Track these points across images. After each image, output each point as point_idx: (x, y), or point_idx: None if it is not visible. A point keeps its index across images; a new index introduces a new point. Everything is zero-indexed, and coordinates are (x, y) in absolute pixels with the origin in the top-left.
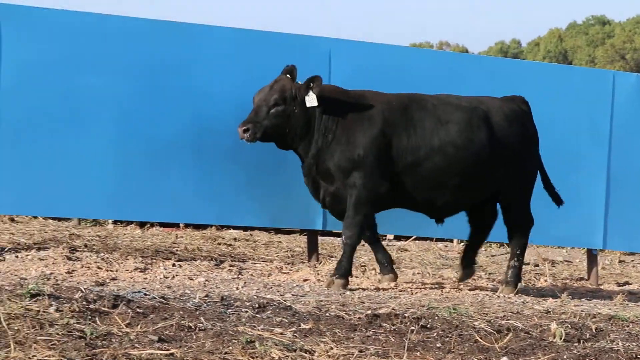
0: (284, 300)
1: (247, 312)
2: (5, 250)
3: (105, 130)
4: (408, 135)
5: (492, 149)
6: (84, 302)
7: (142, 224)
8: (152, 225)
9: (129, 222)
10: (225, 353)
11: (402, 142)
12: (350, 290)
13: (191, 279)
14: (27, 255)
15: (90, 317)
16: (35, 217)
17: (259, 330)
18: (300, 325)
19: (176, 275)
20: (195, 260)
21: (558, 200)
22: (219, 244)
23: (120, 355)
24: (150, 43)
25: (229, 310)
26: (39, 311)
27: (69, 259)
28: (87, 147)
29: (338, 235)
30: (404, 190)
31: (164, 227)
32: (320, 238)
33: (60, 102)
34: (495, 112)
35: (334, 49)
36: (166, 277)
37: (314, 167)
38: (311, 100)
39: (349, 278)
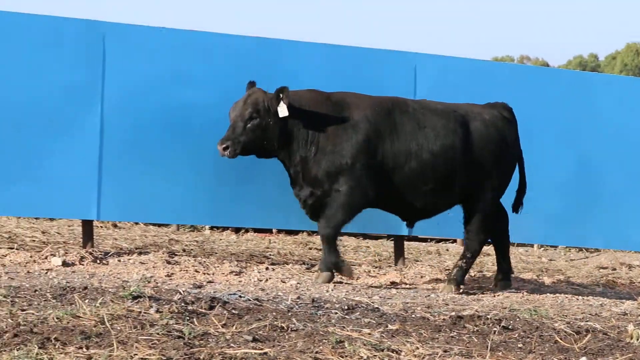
0: (372, 302)
1: (336, 313)
2: (109, 254)
3: (204, 141)
4: (391, 140)
5: (468, 154)
6: (183, 304)
7: (237, 230)
8: (246, 230)
9: (224, 228)
10: (316, 352)
11: (385, 146)
12: (435, 294)
13: (284, 282)
14: (129, 259)
15: (188, 318)
16: (136, 224)
17: (348, 330)
18: (387, 326)
19: (269, 278)
20: (287, 264)
21: (515, 207)
22: (310, 248)
23: (216, 354)
24: (247, 59)
25: (320, 312)
26: (140, 312)
27: (168, 262)
28: (185, 158)
29: (424, 240)
30: (383, 193)
31: (258, 233)
32: (406, 243)
33: (162, 116)
34: (474, 118)
35: (420, 63)
36: (260, 280)
37: (300, 175)
38: (282, 110)
39: (334, 272)
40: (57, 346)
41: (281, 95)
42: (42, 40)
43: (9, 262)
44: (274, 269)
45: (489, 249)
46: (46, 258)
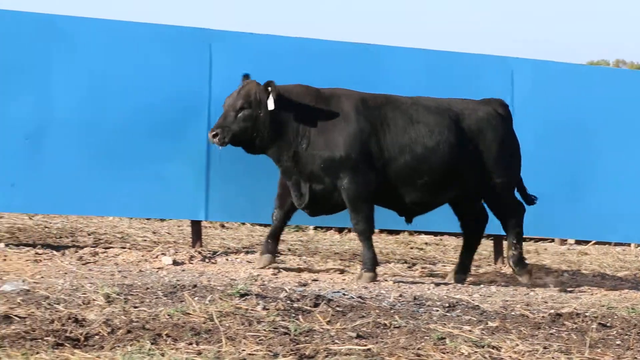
0: (472, 300)
1: (438, 311)
2: (217, 254)
3: None
4: (383, 134)
5: (461, 150)
6: (288, 301)
7: (340, 230)
8: (349, 230)
9: (328, 228)
10: (418, 349)
11: (378, 139)
12: (534, 292)
13: (386, 280)
14: (237, 258)
15: (294, 315)
16: (243, 224)
17: (449, 327)
18: (487, 324)
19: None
20: (389, 263)
21: (527, 201)
22: (411, 247)
23: (321, 350)
24: (347, 64)
25: (421, 309)
26: (247, 309)
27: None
28: None
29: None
30: (378, 186)
31: None
32: (505, 243)
33: None
34: (468, 114)
35: (517, 68)
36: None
37: (295, 170)
38: (270, 104)
39: (376, 270)
40: (168, 342)
41: (269, 89)
42: (157, 48)
43: (122, 261)
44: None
45: (586, 248)
46: (157, 257)
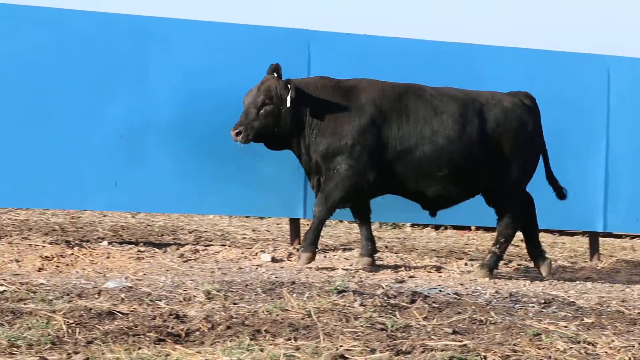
0: (568, 296)
1: (533, 307)
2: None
3: None
4: (399, 124)
5: (485, 142)
6: (385, 298)
7: (437, 227)
8: (446, 228)
9: (425, 225)
10: (514, 345)
11: (392, 130)
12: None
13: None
14: (334, 255)
15: (390, 311)
16: (341, 221)
17: (544, 323)
18: (583, 320)
19: (468, 272)
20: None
21: (560, 194)
22: None
23: (417, 346)
24: (444, 63)
25: (517, 306)
26: (344, 306)
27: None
28: None
29: (618, 237)
30: (393, 178)
31: (457, 230)
32: (601, 239)
33: None
34: (493, 105)
35: (613, 66)
36: (459, 275)
37: (309, 161)
38: (287, 101)
39: (315, 252)
40: (267, 338)
41: (288, 86)
42: (255, 49)
43: (221, 258)
44: (472, 265)
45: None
46: (256, 254)
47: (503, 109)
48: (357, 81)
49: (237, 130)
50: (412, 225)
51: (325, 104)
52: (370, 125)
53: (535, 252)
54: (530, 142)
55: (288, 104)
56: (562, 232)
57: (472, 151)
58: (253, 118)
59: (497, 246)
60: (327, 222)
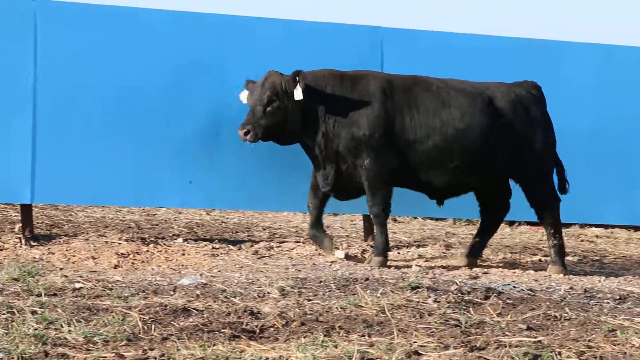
0: None
1: (608, 303)
2: (389, 247)
3: None
4: (410, 115)
5: (494, 133)
6: (459, 294)
7: (511, 223)
8: (520, 224)
9: None
10: (589, 341)
11: (404, 121)
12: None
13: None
14: (408, 251)
15: (464, 307)
16: (415, 218)
17: (620, 319)
18: None
19: (542, 269)
20: None
21: (561, 188)
22: (582, 240)
23: (492, 342)
24: (518, 60)
25: (592, 302)
26: (418, 302)
27: (445, 255)
28: None
29: None
30: (404, 169)
31: (531, 226)
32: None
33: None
34: (501, 97)
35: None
36: (534, 271)
37: (321, 153)
38: (298, 94)
39: (387, 254)
40: (341, 334)
41: (297, 78)
42: (330, 45)
43: (296, 255)
44: (545, 261)
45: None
46: (330, 251)
47: (510, 100)
48: (362, 72)
49: (245, 130)
50: None
51: (337, 96)
52: (384, 116)
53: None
54: (538, 131)
55: (298, 97)
56: (638, 228)
57: (482, 142)
58: (260, 116)
59: (553, 238)
60: (401, 219)
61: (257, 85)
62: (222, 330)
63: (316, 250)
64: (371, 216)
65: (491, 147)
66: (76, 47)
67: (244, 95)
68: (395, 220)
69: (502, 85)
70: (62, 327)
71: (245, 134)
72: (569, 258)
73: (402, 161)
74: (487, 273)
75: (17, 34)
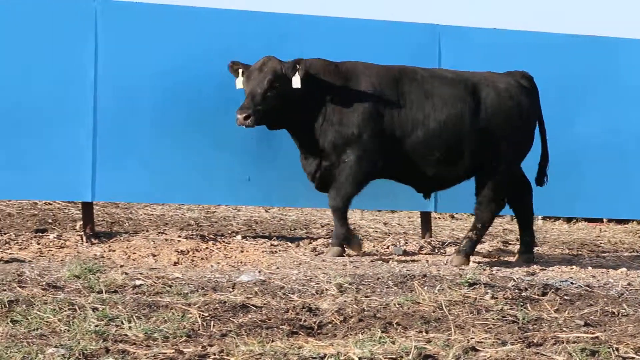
0: None
1: None
2: (446, 244)
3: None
4: (398, 109)
5: (479, 123)
6: (516, 290)
7: (568, 220)
8: (577, 220)
9: (556, 218)
10: None
11: (392, 115)
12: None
13: (614, 269)
14: None
15: (521, 303)
16: (472, 215)
17: None
18: None
19: (598, 265)
20: (617, 252)
21: (539, 180)
22: None
23: (549, 338)
24: (578, 58)
25: None
26: (475, 298)
27: (503, 251)
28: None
29: None
30: (391, 162)
31: (589, 222)
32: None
33: None
34: (487, 86)
35: None
36: (592, 268)
37: (308, 145)
38: (296, 82)
39: (344, 246)
40: (398, 330)
41: (297, 67)
42: (386, 43)
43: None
44: (604, 257)
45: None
46: (388, 248)
47: (497, 90)
48: (353, 64)
49: (245, 114)
50: (544, 218)
51: (330, 88)
52: (374, 111)
53: (527, 240)
54: (526, 122)
55: (297, 85)
56: None
57: (466, 133)
58: (260, 100)
59: (474, 231)
60: (458, 216)
61: (254, 69)
62: (281, 327)
63: (374, 247)
64: (330, 207)
65: (477, 137)
66: (135, 46)
67: (239, 82)
68: (452, 217)
69: (491, 75)
70: (123, 323)
71: (245, 118)
72: (626, 254)
73: (391, 155)
74: (545, 269)
75: (79, 34)
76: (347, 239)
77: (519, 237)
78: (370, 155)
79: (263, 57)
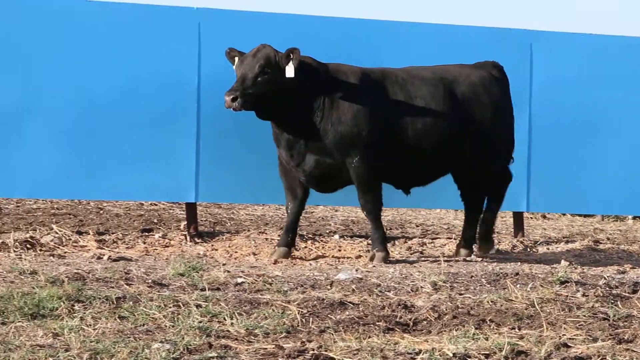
0: None
1: None
2: (538, 243)
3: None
4: (385, 110)
5: (457, 119)
6: (607, 288)
7: None
8: None
9: None
10: None
11: (380, 116)
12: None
13: None
14: (557, 247)
15: (612, 301)
16: (563, 215)
17: None
18: None
19: None
20: None
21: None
22: None
23: (639, 335)
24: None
25: None
26: (567, 296)
27: (594, 250)
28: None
29: None
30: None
31: None
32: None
33: (585, 115)
34: (462, 81)
35: None
36: None
37: (301, 141)
38: (289, 71)
39: (388, 248)
40: (491, 327)
41: (291, 56)
42: (475, 49)
43: (448, 250)
44: None
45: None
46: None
47: (471, 84)
48: (340, 65)
49: (232, 96)
50: (634, 218)
51: (324, 86)
52: (369, 112)
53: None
54: (501, 114)
55: (290, 75)
56: None
57: (446, 129)
58: (250, 84)
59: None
60: (550, 216)
61: (248, 55)
62: (377, 323)
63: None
64: (364, 212)
65: (455, 131)
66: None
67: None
68: (544, 217)
69: (463, 68)
70: (225, 320)
71: (232, 100)
72: None
73: (383, 154)
74: (635, 268)
75: (184, 41)
76: (386, 240)
77: (461, 231)
78: (372, 151)
79: (261, 44)
